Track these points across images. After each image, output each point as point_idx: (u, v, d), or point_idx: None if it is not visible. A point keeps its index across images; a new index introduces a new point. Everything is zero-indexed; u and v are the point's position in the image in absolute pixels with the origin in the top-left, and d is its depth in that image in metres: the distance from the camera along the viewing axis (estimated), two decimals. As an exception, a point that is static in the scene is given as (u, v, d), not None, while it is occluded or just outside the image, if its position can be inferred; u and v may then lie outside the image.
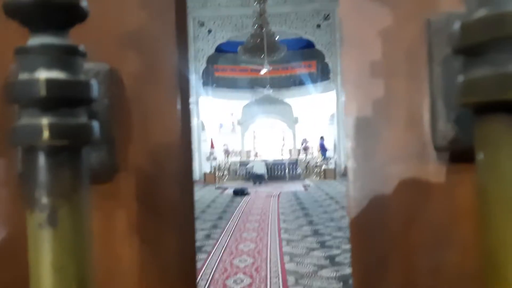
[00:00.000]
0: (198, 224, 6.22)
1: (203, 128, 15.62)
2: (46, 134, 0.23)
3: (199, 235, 5.48)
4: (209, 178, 13.68)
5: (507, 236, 0.18)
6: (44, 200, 0.24)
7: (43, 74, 0.23)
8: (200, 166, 14.53)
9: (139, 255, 0.37)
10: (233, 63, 16.44)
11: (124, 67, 0.36)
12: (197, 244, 4.92)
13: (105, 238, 0.36)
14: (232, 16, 14.45)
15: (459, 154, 0.26)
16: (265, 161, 14.35)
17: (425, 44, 0.28)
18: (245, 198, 9.33)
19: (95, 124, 0.26)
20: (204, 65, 14.73)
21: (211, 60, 15.20)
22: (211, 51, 14.68)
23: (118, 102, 0.36)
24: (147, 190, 0.37)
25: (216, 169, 14.16)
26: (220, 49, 15.20)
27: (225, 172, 14.52)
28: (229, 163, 14.98)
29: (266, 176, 13.54)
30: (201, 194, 10.32)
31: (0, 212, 0.35)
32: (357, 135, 0.32)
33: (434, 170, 0.29)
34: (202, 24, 14.34)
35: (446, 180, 0.29)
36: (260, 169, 13.44)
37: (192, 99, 14.74)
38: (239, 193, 9.89)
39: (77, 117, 0.25)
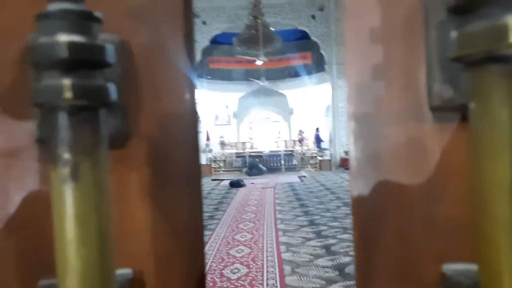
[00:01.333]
0: (195, 215, 6.22)
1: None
2: (68, 94, 0.25)
3: (196, 226, 5.49)
4: (205, 170, 13.70)
5: (494, 175, 0.20)
6: (67, 156, 0.25)
7: (63, 37, 0.24)
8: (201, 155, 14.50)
9: (151, 218, 0.38)
10: (228, 54, 16.36)
11: (134, 38, 0.38)
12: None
13: (118, 200, 0.37)
14: (227, 8, 14.37)
15: (453, 114, 0.28)
16: (259, 154, 14.38)
17: (421, 10, 0.30)
18: (241, 190, 9.37)
19: (112, 87, 0.28)
20: (198, 57, 14.66)
21: (206, 52, 15.13)
22: (206, 43, 14.61)
23: (130, 72, 0.37)
24: (158, 156, 0.38)
25: (212, 161, 14.17)
26: (215, 41, 15.13)
27: (221, 164, 14.53)
28: (225, 155, 14.99)
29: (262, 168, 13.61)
30: (197, 186, 10.30)
31: (23, 171, 0.37)
32: (357, 98, 0.33)
33: (429, 129, 0.31)
34: (196, 16, 14.24)
35: (440, 138, 0.31)
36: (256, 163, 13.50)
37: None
38: (235, 185, 9.92)
39: (95, 78, 0.27)
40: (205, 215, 6.22)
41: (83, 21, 0.25)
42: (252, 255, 4.10)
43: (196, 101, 0.41)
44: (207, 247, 4.43)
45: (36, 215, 0.37)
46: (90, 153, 0.26)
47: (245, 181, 10.45)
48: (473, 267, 0.26)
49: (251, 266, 3.78)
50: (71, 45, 0.24)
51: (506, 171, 0.19)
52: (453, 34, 0.22)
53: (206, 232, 5.11)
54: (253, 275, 3.53)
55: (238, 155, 14.91)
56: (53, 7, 0.24)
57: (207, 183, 11.03)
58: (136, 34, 0.38)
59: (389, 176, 0.33)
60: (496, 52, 0.19)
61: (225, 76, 16.91)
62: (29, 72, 0.33)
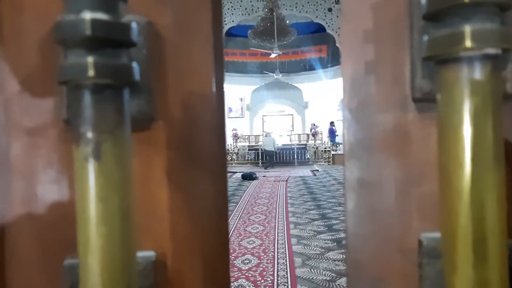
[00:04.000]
0: (207, 207, 6.28)
1: (212, 112, 15.62)
2: (91, 72, 0.25)
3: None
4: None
5: (454, 152, 0.24)
6: (89, 134, 0.25)
7: (88, 15, 0.24)
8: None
9: (175, 201, 0.39)
10: (243, 47, 16.36)
11: (161, 20, 0.38)
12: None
13: (142, 182, 0.38)
14: (243, 0, 14.33)
15: (431, 104, 0.32)
16: (270, 135, 14.39)
17: (407, 16, 0.35)
18: (254, 182, 9.40)
19: (135, 66, 0.28)
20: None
21: (221, 44, 15.11)
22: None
23: (155, 54, 0.37)
24: (183, 139, 0.39)
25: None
26: (230, 33, 15.13)
27: (234, 157, 14.60)
28: (238, 147, 15.05)
29: (275, 152, 13.65)
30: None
31: (49, 151, 0.38)
32: (351, 91, 0.38)
33: (413, 118, 0.36)
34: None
35: (422, 125, 0.36)
36: (269, 145, 13.49)
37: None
38: (248, 177, 9.97)
39: (119, 57, 0.27)
40: (217, 206, 6.26)
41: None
42: (263, 247, 4.13)
43: (224, 85, 0.40)
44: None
45: (62, 194, 0.38)
46: (112, 132, 0.26)
47: (257, 174, 10.48)
48: None
49: (262, 257, 3.81)
50: (95, 23, 0.24)
51: (462, 149, 0.23)
52: (425, 38, 0.28)
53: (218, 223, 5.15)
54: (264, 266, 3.56)
55: (251, 148, 14.96)
56: None
57: (219, 175, 11.07)
58: (162, 15, 0.38)
59: (378, 158, 0.37)
60: (455, 54, 0.24)
61: (239, 68, 16.93)
62: (57, 51, 0.33)
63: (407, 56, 0.35)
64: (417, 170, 0.36)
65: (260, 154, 14.15)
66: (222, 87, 0.40)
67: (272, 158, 13.72)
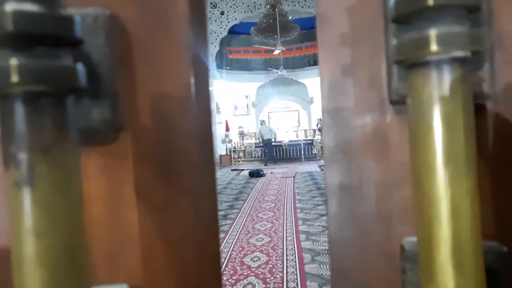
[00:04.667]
0: (215, 205, 6.30)
1: (218, 110, 15.65)
2: (15, 77, 0.20)
3: (216, 215, 5.56)
4: (225, 160, 13.80)
5: (423, 156, 0.23)
6: (21, 155, 0.21)
7: (11, 6, 0.20)
8: (215, 148, 14.60)
9: (151, 224, 0.34)
10: (247, 44, 16.32)
11: (128, 12, 0.33)
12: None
13: (111, 204, 0.34)
14: (245, -3, 14.30)
15: None
16: (265, 123, 14.15)
17: (382, 19, 0.34)
18: (261, 179, 9.40)
19: (81, 68, 0.23)
20: (217, 48, 14.67)
21: (224, 42, 15.12)
22: (224, 33, 14.59)
23: (122, 52, 0.33)
24: (158, 150, 0.34)
25: (232, 151, 14.26)
26: (233, 31, 15.09)
27: (241, 154, 14.60)
28: (244, 145, 15.04)
29: (273, 140, 13.40)
30: (217, 176, 10.41)
31: None
32: (329, 93, 0.37)
33: (390, 120, 0.36)
34: (214, 6, 14.22)
35: (399, 127, 0.35)
36: (267, 134, 13.33)
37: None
38: (255, 174, 9.97)
39: (57, 59, 0.22)
40: (225, 204, 6.29)
41: None
42: (272, 244, 4.14)
43: (210, 87, 0.36)
44: (227, 236, 4.48)
45: None
46: (49, 151, 0.21)
47: (265, 171, 10.48)
48: None
49: (271, 254, 3.82)
50: (19, 16, 0.20)
51: (433, 154, 0.23)
52: (394, 41, 0.27)
53: (226, 222, 5.17)
54: (273, 263, 3.56)
55: (257, 145, 14.94)
56: None
57: (227, 173, 11.12)
58: (128, 7, 0.33)
59: (357, 161, 0.37)
60: (422, 58, 0.23)
61: (244, 66, 16.89)
62: None
63: (383, 59, 0.35)
64: (397, 173, 0.36)
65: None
66: (205, 88, 0.35)
67: (272, 150, 13.37)
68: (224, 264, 3.62)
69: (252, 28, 13.09)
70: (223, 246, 4.13)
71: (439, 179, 0.23)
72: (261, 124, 14.01)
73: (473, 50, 0.23)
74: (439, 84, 0.23)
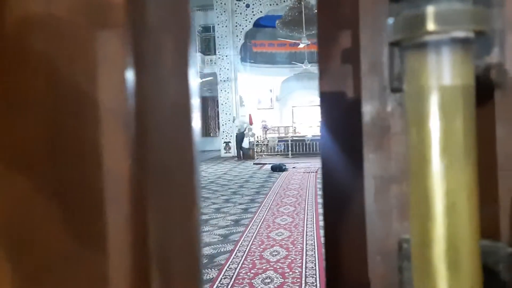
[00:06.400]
0: (237, 199, 6.35)
1: (241, 104, 15.68)
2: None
3: (237, 209, 5.60)
4: (248, 154, 13.84)
5: (423, 150, 0.22)
6: None
7: None
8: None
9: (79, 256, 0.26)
10: (271, 38, 16.24)
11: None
12: (235, 218, 5.06)
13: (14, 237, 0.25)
14: (270, -10, 14.21)
15: None
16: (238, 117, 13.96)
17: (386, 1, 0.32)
18: (283, 174, 9.38)
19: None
20: (242, 41, 14.67)
21: (249, 36, 15.10)
22: (249, 26, 14.57)
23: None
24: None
25: (254, 145, 14.28)
26: (258, 24, 15.05)
27: (263, 148, 14.60)
28: (267, 139, 15.03)
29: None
30: (239, 170, 10.49)
31: None
32: (329, 81, 0.36)
33: (391, 108, 0.34)
34: (239, -1, 14.22)
35: (401, 115, 0.33)
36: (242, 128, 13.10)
37: (230, 76, 14.78)
38: (277, 169, 9.95)
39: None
40: (247, 198, 6.31)
41: None
42: (292, 239, 4.12)
43: (193, 87, 0.29)
44: (247, 230, 4.49)
45: None
46: None
47: (287, 165, 10.45)
48: None
49: (290, 249, 3.81)
50: None
51: (429, 145, 0.21)
52: (390, 20, 0.25)
53: (247, 215, 5.18)
54: (292, 258, 3.55)
55: (281, 140, 14.90)
56: None
57: (249, 167, 11.15)
58: None
59: (357, 154, 0.35)
60: (418, 38, 0.21)
61: (268, 59, 16.83)
62: None
63: (386, 45, 0.32)
64: (397, 166, 0.33)
65: (289, 144, 13.96)
66: (188, 90, 0.28)
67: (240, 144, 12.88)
68: (243, 257, 3.63)
69: (277, 21, 13.01)
70: (243, 239, 4.15)
71: (433, 172, 0.21)
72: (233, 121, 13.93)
73: (476, 30, 0.20)
74: (437, 68, 0.21)
